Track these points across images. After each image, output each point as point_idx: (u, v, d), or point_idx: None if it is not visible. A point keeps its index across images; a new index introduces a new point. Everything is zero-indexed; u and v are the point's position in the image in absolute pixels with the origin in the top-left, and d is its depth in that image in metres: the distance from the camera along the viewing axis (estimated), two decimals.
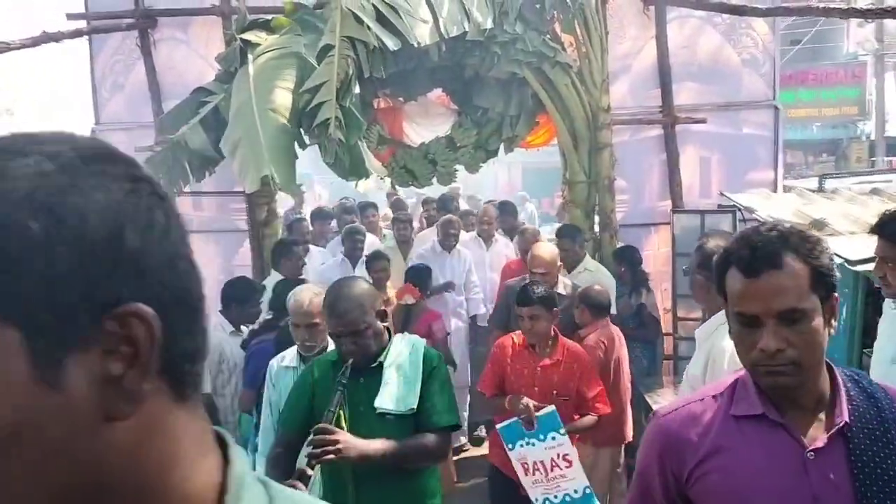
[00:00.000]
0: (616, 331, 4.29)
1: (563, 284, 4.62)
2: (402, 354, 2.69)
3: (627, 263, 5.37)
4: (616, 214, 5.76)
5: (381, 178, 5.36)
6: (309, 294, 3.30)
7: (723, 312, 3.02)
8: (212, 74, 5.80)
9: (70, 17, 5.98)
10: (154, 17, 5.95)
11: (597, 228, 5.79)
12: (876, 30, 16.40)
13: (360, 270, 5.59)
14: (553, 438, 3.52)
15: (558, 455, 3.54)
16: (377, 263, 5.44)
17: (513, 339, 3.82)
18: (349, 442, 2.43)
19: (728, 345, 2.95)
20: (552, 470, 3.56)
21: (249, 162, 3.85)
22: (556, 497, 3.59)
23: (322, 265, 6.11)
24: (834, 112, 17.16)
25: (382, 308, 2.69)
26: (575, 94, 5.47)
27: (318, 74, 4.06)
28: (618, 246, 5.61)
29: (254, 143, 3.89)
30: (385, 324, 2.70)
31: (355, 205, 7.96)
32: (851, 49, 18.15)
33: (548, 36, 5.28)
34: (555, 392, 3.65)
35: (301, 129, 4.20)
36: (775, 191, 5.76)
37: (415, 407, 2.61)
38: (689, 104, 5.90)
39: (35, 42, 4.72)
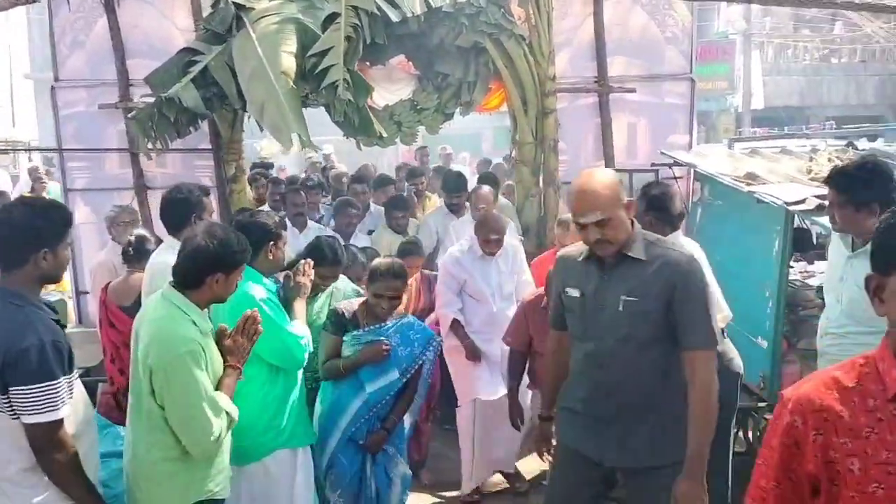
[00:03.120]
0: None
1: None
2: None
3: None
4: (559, 172, 6.47)
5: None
6: None
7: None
8: (177, 35, 6.01)
9: None
10: None
11: (541, 185, 6.48)
12: (744, 10, 18.04)
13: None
14: None
15: None
16: (411, 260, 4.85)
17: (838, 378, 1.55)
18: None
19: None
20: None
21: (280, 123, 4.20)
22: None
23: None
24: (707, 86, 18.75)
25: None
26: (526, 64, 6.08)
27: (325, 40, 4.44)
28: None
29: (278, 105, 4.24)
30: None
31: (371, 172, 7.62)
32: (721, 28, 19.83)
33: (503, 10, 5.86)
34: None
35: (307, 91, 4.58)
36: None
37: None
38: (620, 75, 6.66)
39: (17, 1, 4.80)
